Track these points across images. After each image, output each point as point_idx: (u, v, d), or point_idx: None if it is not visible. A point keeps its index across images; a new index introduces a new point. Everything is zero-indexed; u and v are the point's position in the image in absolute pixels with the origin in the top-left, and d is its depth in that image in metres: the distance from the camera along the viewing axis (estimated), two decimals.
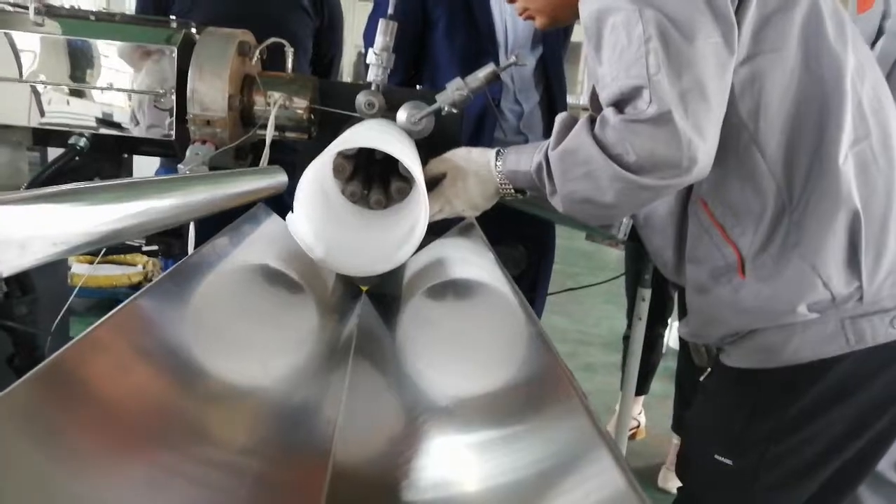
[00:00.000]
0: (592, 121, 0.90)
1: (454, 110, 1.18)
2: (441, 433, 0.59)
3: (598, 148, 0.86)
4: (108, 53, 1.23)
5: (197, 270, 0.81)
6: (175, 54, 1.22)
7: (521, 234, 1.76)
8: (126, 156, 1.38)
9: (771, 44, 0.87)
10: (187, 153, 1.21)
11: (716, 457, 0.99)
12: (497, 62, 1.81)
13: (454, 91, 1.17)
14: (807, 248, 0.89)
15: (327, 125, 1.34)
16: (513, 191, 1.05)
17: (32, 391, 0.43)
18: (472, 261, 1.02)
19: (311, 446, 0.60)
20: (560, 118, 0.96)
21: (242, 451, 0.56)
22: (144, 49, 1.23)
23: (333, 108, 1.33)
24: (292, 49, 1.34)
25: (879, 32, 1.45)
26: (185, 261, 0.79)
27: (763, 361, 0.95)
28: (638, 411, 2.60)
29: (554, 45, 1.88)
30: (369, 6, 1.82)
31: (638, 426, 2.60)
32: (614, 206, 0.89)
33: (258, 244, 0.99)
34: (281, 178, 1.06)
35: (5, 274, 0.65)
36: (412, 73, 1.87)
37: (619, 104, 0.86)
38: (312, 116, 1.32)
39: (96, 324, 0.57)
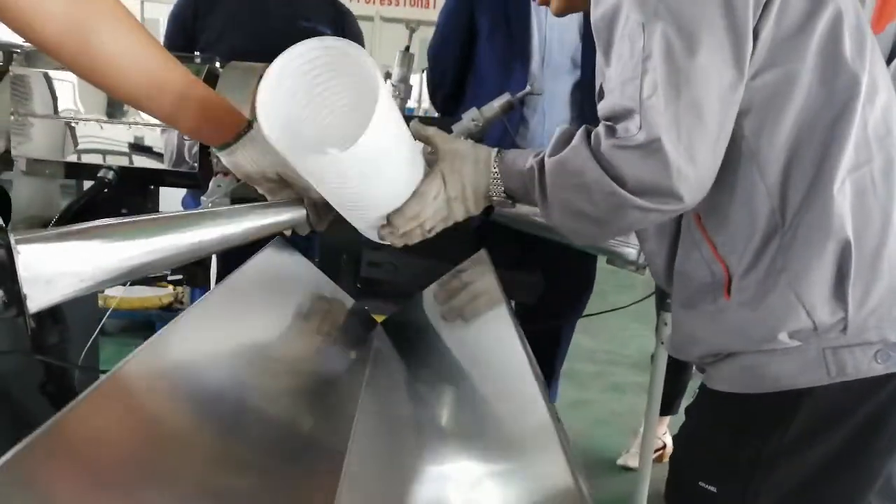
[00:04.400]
0: (590, 132, 0.90)
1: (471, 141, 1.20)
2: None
3: (595, 161, 0.86)
4: None
5: (217, 304, 0.84)
6: None
7: (566, 267, 1.80)
8: (153, 187, 1.42)
9: (786, 58, 0.86)
10: (210, 185, 1.24)
11: (700, 483, 0.97)
12: (526, 76, 1.87)
13: (470, 121, 1.19)
14: (793, 274, 0.87)
15: None
16: (503, 194, 0.99)
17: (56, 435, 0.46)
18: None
19: (318, 482, 0.61)
20: (560, 129, 0.95)
21: (246, 481, 0.58)
22: None
23: None
24: None
25: (894, 51, 1.44)
26: (206, 297, 0.81)
27: (743, 386, 0.93)
28: (663, 432, 2.58)
29: (593, 71, 1.91)
30: (392, 27, 1.93)
31: (664, 447, 2.58)
32: (605, 223, 0.89)
33: (276, 277, 1.01)
34: (300, 212, 1.09)
35: (33, 310, 0.68)
36: (460, 79, 1.99)
37: (612, 121, 0.86)
38: None
39: (120, 364, 0.59)
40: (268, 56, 1.97)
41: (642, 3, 0.84)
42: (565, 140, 0.92)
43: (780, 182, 0.88)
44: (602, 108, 0.89)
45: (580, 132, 0.91)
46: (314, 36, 2.28)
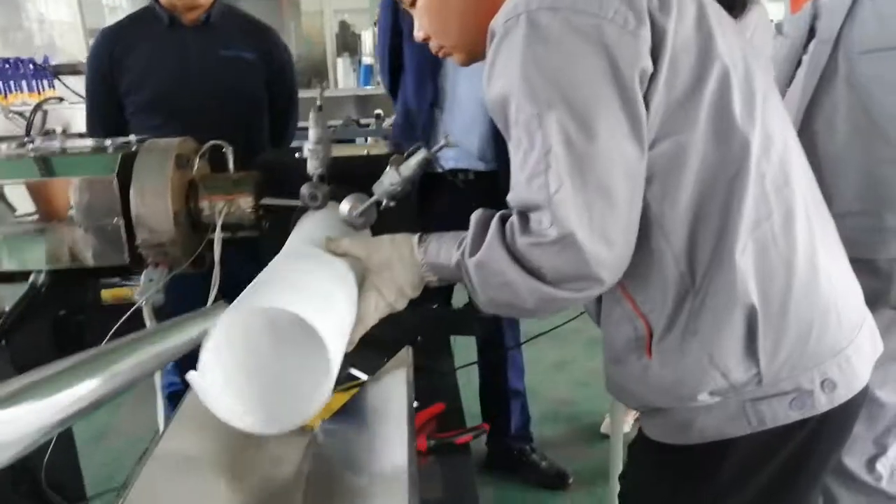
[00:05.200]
0: (505, 220, 0.90)
1: (391, 204, 1.20)
2: None
3: (512, 260, 0.87)
4: (49, 190, 1.26)
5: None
6: (115, 183, 1.25)
7: None
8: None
9: (679, 126, 0.87)
10: (141, 281, 1.24)
11: None
12: (436, 83, 1.94)
13: (389, 185, 1.19)
14: (704, 338, 0.89)
15: (279, 214, 1.37)
16: (436, 280, 1.03)
17: None
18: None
19: None
20: (475, 218, 0.95)
21: None
22: (84, 181, 1.25)
23: (281, 198, 1.36)
24: (231, 147, 1.36)
25: (811, 34, 1.43)
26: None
27: (674, 437, 0.96)
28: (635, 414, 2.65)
29: None
30: None
31: None
32: (536, 311, 0.92)
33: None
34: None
35: None
36: (397, 72, 2.11)
37: (524, 214, 0.87)
38: (261, 212, 1.35)
39: None
40: (192, 94, 1.95)
41: (532, 94, 0.84)
42: (481, 232, 0.93)
43: (686, 248, 0.89)
44: (511, 199, 0.90)
45: (494, 224, 0.91)
46: (236, 66, 2.26)
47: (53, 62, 4.84)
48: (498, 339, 2.26)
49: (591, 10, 0.83)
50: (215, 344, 0.80)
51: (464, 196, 1.91)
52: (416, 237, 1.02)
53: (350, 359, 1.40)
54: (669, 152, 0.87)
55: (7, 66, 4.69)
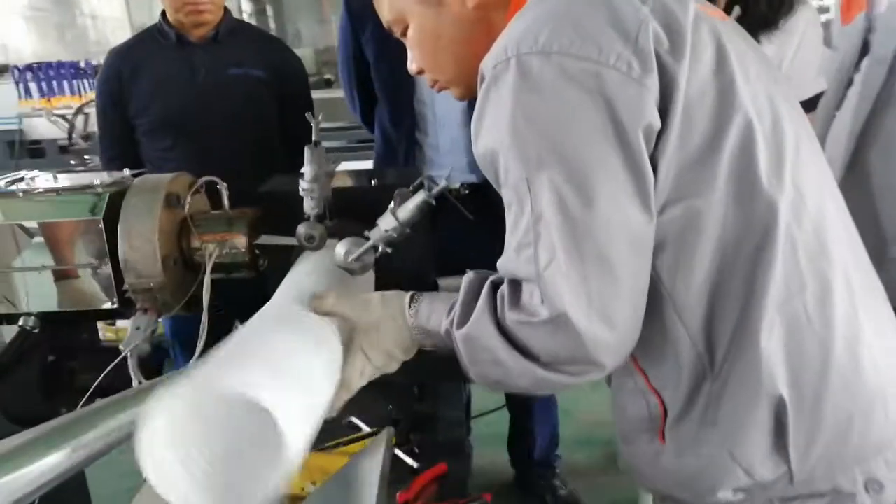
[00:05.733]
0: (496, 287, 0.80)
1: (388, 250, 1.11)
2: None
3: (502, 338, 0.77)
4: (38, 232, 1.21)
5: None
6: (102, 225, 1.18)
7: None
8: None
9: (695, 189, 0.75)
10: (129, 328, 1.18)
11: None
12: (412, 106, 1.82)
13: (384, 230, 1.09)
14: (724, 430, 0.78)
15: (277, 253, 1.29)
16: (429, 344, 0.92)
17: None
18: None
19: None
20: (466, 283, 0.85)
21: None
22: (71, 224, 1.20)
23: (286, 231, 1.27)
24: (225, 184, 1.28)
25: (864, 49, 1.28)
26: None
27: None
28: None
29: None
30: None
31: None
32: (530, 390, 0.81)
33: None
34: None
35: None
36: (368, 102, 1.98)
37: (515, 283, 0.77)
38: (256, 252, 1.27)
39: None
40: (200, 115, 1.89)
41: (522, 152, 0.74)
42: (470, 300, 0.82)
43: (703, 327, 0.78)
44: (500, 267, 0.80)
45: (485, 292, 0.81)
46: (246, 84, 2.17)
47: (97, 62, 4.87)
48: None
49: (590, 55, 0.72)
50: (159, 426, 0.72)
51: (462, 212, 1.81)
52: (408, 296, 0.92)
53: (352, 406, 1.32)
54: (682, 218, 0.75)
55: (50, 69, 4.77)
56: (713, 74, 0.75)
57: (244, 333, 0.90)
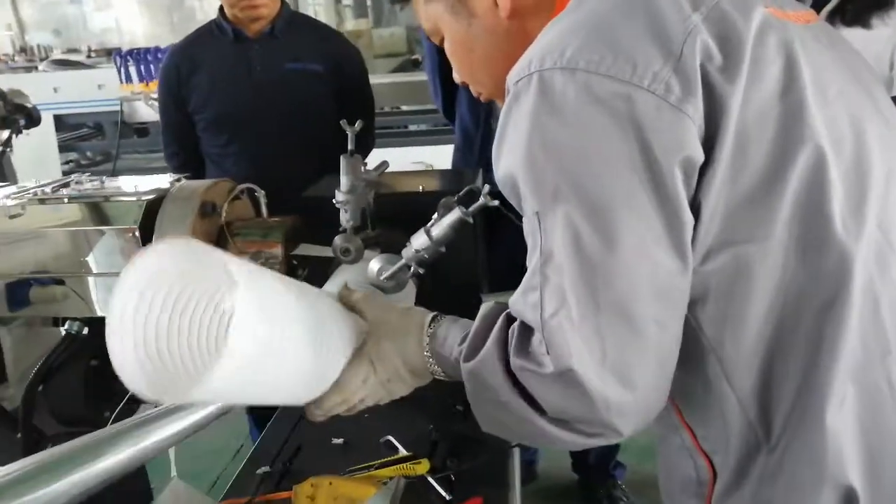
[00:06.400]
0: (511, 322, 0.70)
1: (420, 271, 1.03)
2: None
3: (508, 380, 0.68)
4: (78, 240, 1.20)
5: None
6: (137, 234, 1.17)
7: None
8: None
9: (747, 233, 0.63)
10: None
11: None
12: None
13: (415, 249, 1.02)
14: None
15: (317, 263, 1.24)
16: (441, 372, 0.82)
17: None
18: None
19: None
20: (482, 312, 0.75)
21: None
22: (108, 232, 1.19)
23: (321, 241, 1.22)
24: (263, 192, 1.24)
25: None
26: None
27: None
28: None
29: None
30: None
31: None
32: (536, 443, 0.72)
33: None
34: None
35: None
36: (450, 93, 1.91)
37: (524, 328, 0.67)
38: (294, 262, 1.23)
39: None
40: (257, 111, 1.85)
41: (536, 182, 0.64)
42: (483, 333, 0.73)
43: (757, 391, 0.66)
44: (511, 305, 0.70)
45: (497, 327, 0.71)
46: (304, 79, 2.12)
47: None
48: None
49: (621, 74, 0.61)
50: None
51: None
52: (430, 316, 0.83)
53: (390, 423, 1.26)
54: (731, 267, 0.63)
55: (148, 53, 4.95)
56: (777, 97, 0.62)
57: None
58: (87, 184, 1.31)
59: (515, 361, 0.67)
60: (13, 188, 1.27)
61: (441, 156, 3.73)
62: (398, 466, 1.15)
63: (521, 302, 0.67)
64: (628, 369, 0.62)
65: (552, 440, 0.68)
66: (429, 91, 2.02)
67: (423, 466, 1.14)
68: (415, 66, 5.44)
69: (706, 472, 0.72)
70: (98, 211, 1.22)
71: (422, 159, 3.59)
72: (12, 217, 1.22)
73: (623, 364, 0.61)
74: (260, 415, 1.82)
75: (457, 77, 0.90)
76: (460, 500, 1.11)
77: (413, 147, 4.09)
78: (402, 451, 1.21)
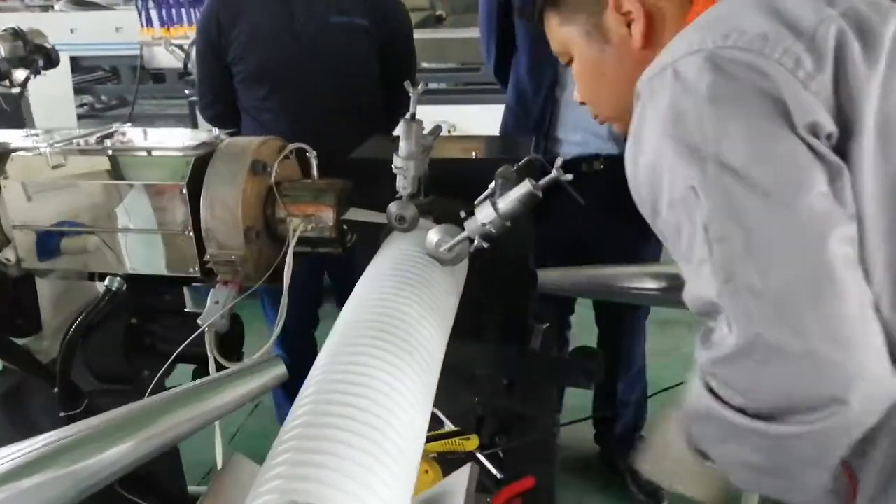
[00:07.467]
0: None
1: (485, 245, 0.98)
2: None
3: (710, 394, 0.66)
4: (123, 194, 1.16)
5: None
6: (185, 190, 1.12)
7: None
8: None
9: None
10: (208, 301, 1.13)
11: None
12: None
13: (481, 223, 0.97)
14: None
15: (367, 228, 1.19)
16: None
17: None
18: None
19: None
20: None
21: None
22: (153, 188, 1.14)
23: (376, 202, 1.17)
24: (315, 153, 1.18)
25: None
26: None
27: None
28: None
29: None
30: None
31: None
32: (780, 473, 0.65)
33: None
34: (279, 370, 0.95)
35: None
36: (505, 54, 1.86)
37: (704, 317, 0.66)
38: (344, 227, 1.18)
39: None
40: (299, 64, 1.77)
41: (684, 159, 0.64)
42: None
43: None
44: (686, 298, 0.69)
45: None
46: (348, 33, 2.04)
47: None
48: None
49: (751, 45, 0.62)
50: None
51: (594, 190, 1.62)
52: None
53: (436, 395, 1.23)
54: None
55: None
56: None
57: None
58: (130, 135, 1.26)
59: (703, 357, 0.65)
60: (56, 135, 1.21)
61: (464, 116, 3.63)
62: (446, 441, 1.12)
63: (694, 284, 0.66)
64: (832, 323, 0.58)
65: (783, 444, 0.62)
66: (480, 49, 1.95)
67: (472, 443, 1.11)
68: (438, 21, 5.28)
69: (847, 485, 0.68)
70: (143, 166, 1.17)
71: (444, 119, 3.50)
72: (55, 167, 1.18)
73: (825, 318, 0.58)
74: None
75: (576, 97, 0.95)
76: (510, 479, 1.09)
77: (433, 106, 3.99)
78: (449, 425, 1.18)
